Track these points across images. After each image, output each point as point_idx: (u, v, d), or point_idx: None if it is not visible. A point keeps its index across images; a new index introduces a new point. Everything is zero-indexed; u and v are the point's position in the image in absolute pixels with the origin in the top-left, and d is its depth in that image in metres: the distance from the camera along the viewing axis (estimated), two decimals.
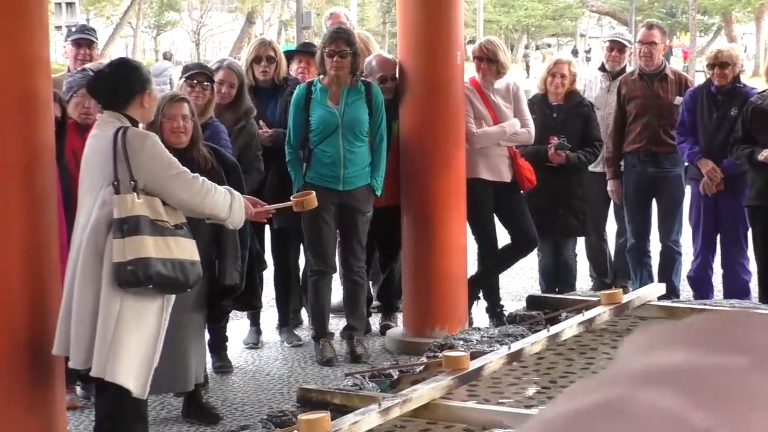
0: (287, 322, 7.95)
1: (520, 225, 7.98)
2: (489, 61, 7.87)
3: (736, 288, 8.24)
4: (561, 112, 8.34)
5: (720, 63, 8.05)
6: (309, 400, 4.45)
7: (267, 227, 7.71)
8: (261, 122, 7.46)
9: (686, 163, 8.47)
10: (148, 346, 4.90)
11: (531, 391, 4.72)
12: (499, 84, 7.96)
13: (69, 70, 7.54)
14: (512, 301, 8.59)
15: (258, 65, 7.64)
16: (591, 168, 8.56)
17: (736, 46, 9.11)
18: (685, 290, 8.79)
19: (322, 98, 7.30)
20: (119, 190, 4.85)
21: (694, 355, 0.75)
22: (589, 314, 5.56)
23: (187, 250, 4.98)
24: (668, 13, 57.17)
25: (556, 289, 8.43)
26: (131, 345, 4.84)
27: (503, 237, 8.17)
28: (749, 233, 8.10)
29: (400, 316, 8.01)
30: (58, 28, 27.19)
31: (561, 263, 8.57)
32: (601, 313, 5.61)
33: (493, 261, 8.10)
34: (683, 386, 0.71)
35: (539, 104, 8.40)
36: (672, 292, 8.12)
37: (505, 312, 7.76)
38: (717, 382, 0.72)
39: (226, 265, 6.02)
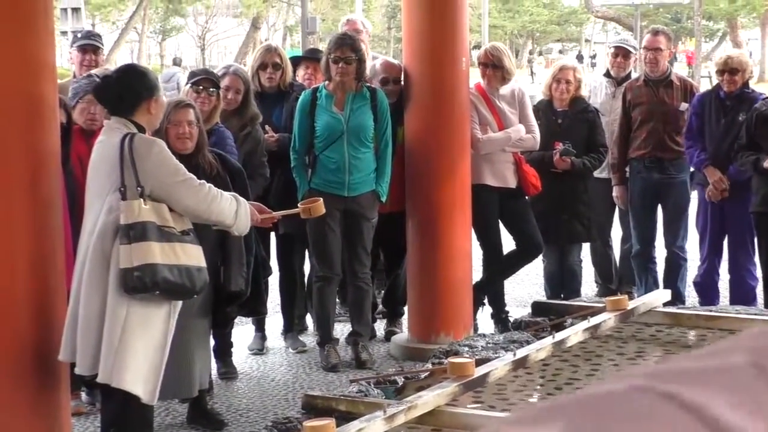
0: (292, 327, 7.95)
1: (525, 231, 7.98)
2: (494, 67, 7.87)
3: (742, 294, 8.23)
4: (566, 118, 8.34)
5: (730, 69, 8.04)
6: (314, 407, 4.44)
7: (272, 233, 7.72)
8: (267, 127, 7.47)
9: (692, 169, 8.46)
10: (155, 352, 4.89)
11: (536, 397, 4.71)
12: (504, 90, 7.95)
13: (75, 76, 7.55)
14: (517, 307, 8.58)
15: (264, 72, 7.64)
16: (596, 174, 8.56)
17: (745, 52, 9.09)
18: (691, 296, 8.78)
19: (327, 104, 7.31)
20: (126, 196, 4.85)
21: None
22: (594, 320, 5.55)
23: (193, 256, 4.98)
24: (673, 19, 57.15)
25: (561, 295, 8.42)
26: (138, 351, 4.83)
27: (508, 243, 8.16)
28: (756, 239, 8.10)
29: (405, 322, 8.00)
30: (64, 33, 27.21)
31: (566, 269, 8.56)
32: (607, 319, 5.60)
33: (498, 267, 8.10)
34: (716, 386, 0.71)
35: (544, 110, 8.40)
36: (677, 298, 8.11)
37: (510, 318, 7.75)
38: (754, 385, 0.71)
39: (231, 271, 6.02)
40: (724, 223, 8.26)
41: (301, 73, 8.13)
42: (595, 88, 9.09)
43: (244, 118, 7.15)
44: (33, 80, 4.96)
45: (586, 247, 8.96)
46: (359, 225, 7.36)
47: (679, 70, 8.10)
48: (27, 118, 4.92)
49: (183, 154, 5.90)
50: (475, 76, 7.99)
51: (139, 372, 4.83)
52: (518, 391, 4.67)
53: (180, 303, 5.07)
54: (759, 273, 8.27)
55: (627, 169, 8.63)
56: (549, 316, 6.03)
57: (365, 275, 7.48)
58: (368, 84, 7.51)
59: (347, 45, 7.30)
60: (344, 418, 4.23)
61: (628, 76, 8.97)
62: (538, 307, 6.29)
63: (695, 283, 8.55)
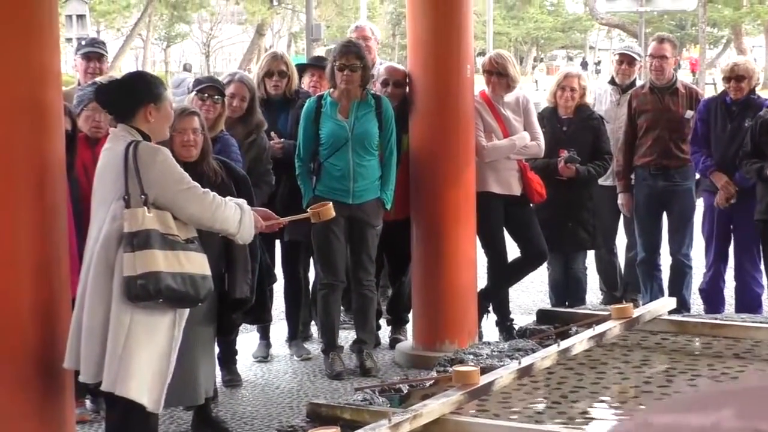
0: (297, 335, 7.94)
1: (530, 238, 7.97)
2: (499, 75, 7.87)
3: (747, 301, 8.22)
4: (571, 125, 8.34)
5: (736, 76, 8.04)
6: (318, 415, 4.43)
7: (277, 241, 7.72)
8: (273, 134, 7.47)
9: (698, 175, 8.45)
10: (160, 360, 4.88)
11: (541, 406, 4.70)
12: (509, 97, 7.95)
13: (79, 84, 7.54)
14: (522, 315, 8.58)
15: (270, 79, 7.65)
16: (601, 181, 8.56)
17: (751, 59, 9.08)
18: (696, 303, 8.77)
19: (332, 112, 7.31)
20: (130, 204, 4.85)
21: None
22: (599, 329, 5.54)
23: (197, 264, 4.97)
24: (678, 26, 57.18)
25: (566, 303, 8.42)
26: (142, 359, 4.82)
27: (513, 250, 8.15)
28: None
29: (409, 330, 7.99)
30: (69, 40, 27.24)
31: (571, 277, 8.55)
32: (612, 327, 5.59)
33: (503, 274, 8.08)
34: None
35: (549, 117, 8.40)
36: (683, 306, 8.10)
37: (515, 325, 7.74)
38: None
39: (236, 278, 6.02)
40: (730, 230, 8.25)
41: (307, 81, 8.13)
42: (600, 96, 9.09)
43: (249, 126, 7.16)
44: (38, 87, 4.96)
45: (590, 255, 8.95)
46: (364, 232, 7.36)
47: (683, 76, 8.11)
48: (32, 125, 4.92)
49: (188, 161, 5.90)
50: (480, 83, 7.98)
51: (143, 380, 4.83)
52: (523, 400, 4.66)
53: (186, 311, 5.06)
54: (765, 280, 8.26)
55: (632, 176, 8.62)
56: (554, 324, 6.02)
57: (370, 283, 7.47)
58: (373, 91, 7.51)
59: (352, 52, 7.30)
60: (349, 426, 4.23)
61: (633, 83, 8.97)
62: (543, 315, 6.28)
63: (701, 291, 8.54)
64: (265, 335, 7.88)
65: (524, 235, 8.00)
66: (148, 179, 4.87)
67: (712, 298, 8.42)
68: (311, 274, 8.06)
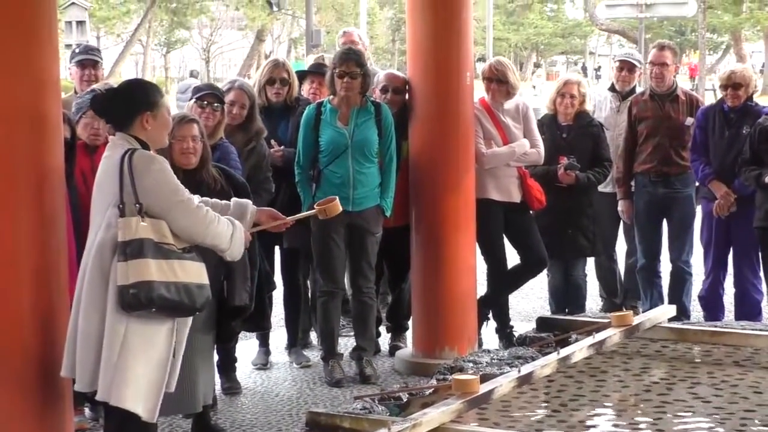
0: (296, 342, 7.93)
1: (530, 245, 7.96)
2: (499, 82, 7.87)
3: (747, 308, 8.22)
4: (570, 132, 8.34)
5: (733, 84, 8.03)
6: (318, 424, 4.43)
7: (277, 248, 7.71)
8: (273, 141, 7.47)
9: (697, 183, 8.45)
10: (155, 369, 4.86)
11: (541, 414, 4.69)
12: (509, 104, 7.95)
13: (76, 92, 7.52)
14: (522, 322, 8.57)
15: (271, 87, 7.64)
16: (600, 188, 8.55)
17: (749, 67, 9.08)
18: (696, 310, 8.76)
19: (332, 119, 7.30)
20: (125, 212, 4.82)
21: None
22: (599, 336, 5.54)
23: (193, 273, 4.92)
24: (678, 32, 57.24)
25: (566, 309, 8.41)
26: (138, 369, 4.80)
27: (513, 257, 8.15)
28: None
29: (409, 337, 7.98)
30: (69, 46, 27.23)
31: (571, 283, 8.55)
32: (612, 335, 5.59)
33: (503, 281, 8.07)
34: None
35: (549, 124, 8.40)
36: (683, 313, 8.10)
37: (515, 332, 7.74)
38: None
39: (235, 285, 6.00)
40: (729, 237, 8.24)
41: (307, 87, 8.12)
42: (600, 102, 9.08)
43: (249, 133, 7.15)
44: (37, 95, 4.95)
45: (590, 262, 8.95)
46: (364, 240, 7.35)
47: (681, 82, 8.14)
48: (31, 133, 4.91)
49: (187, 169, 5.90)
50: (480, 89, 7.98)
51: (138, 389, 4.80)
52: (523, 408, 4.66)
53: (189, 319, 5.04)
54: (764, 287, 8.25)
55: (632, 183, 8.61)
56: (554, 331, 6.02)
57: (369, 290, 7.46)
58: (373, 99, 7.51)
59: (352, 60, 7.29)
60: None
61: (633, 90, 8.96)
62: (542, 323, 6.28)
63: (700, 298, 8.53)
64: (264, 342, 7.87)
65: (524, 242, 8.00)
66: (143, 188, 4.85)
67: (712, 306, 8.41)
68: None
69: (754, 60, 53.46)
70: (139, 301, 4.74)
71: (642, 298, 8.74)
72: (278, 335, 8.12)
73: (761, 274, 8.15)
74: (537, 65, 66.44)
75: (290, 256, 7.76)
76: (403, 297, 8.09)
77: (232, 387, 7.15)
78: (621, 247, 9.17)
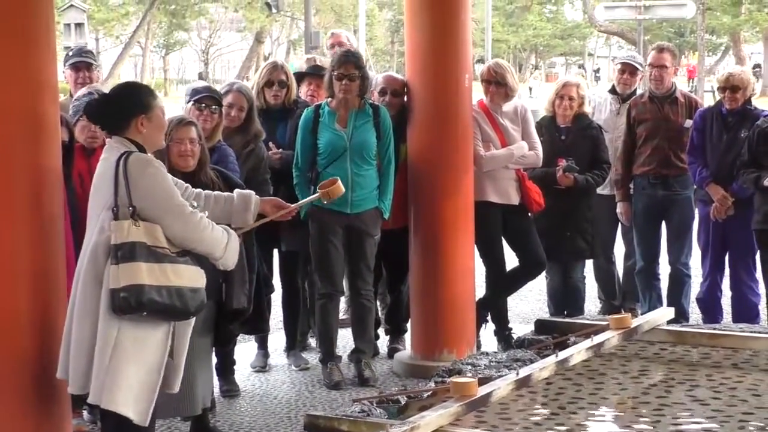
0: (295, 345, 7.93)
1: (529, 248, 7.96)
2: (497, 84, 7.87)
3: (744, 310, 8.22)
4: (569, 134, 8.33)
5: (731, 86, 8.03)
6: (316, 427, 4.42)
7: (275, 250, 7.71)
8: (271, 144, 7.46)
9: (695, 186, 8.44)
10: (149, 372, 4.85)
11: (539, 417, 4.68)
12: (507, 107, 7.94)
13: (71, 95, 7.50)
14: (520, 324, 8.57)
15: (270, 89, 7.64)
16: (599, 190, 8.55)
17: (747, 70, 9.07)
18: (695, 312, 8.76)
19: (330, 121, 7.30)
20: (118, 215, 4.82)
21: None
22: (597, 339, 5.52)
23: (186, 277, 4.91)
24: (677, 33, 57.26)
25: (565, 312, 8.40)
26: (130, 372, 4.79)
27: (511, 260, 8.14)
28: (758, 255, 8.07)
29: (408, 339, 7.98)
30: (68, 48, 27.23)
31: (569, 286, 8.54)
32: (610, 337, 5.58)
33: (502, 284, 8.07)
34: None
35: (547, 126, 8.39)
36: (681, 315, 8.09)
37: (513, 335, 7.73)
38: None
39: (233, 288, 6.00)
40: (726, 240, 8.24)
41: (304, 90, 8.12)
42: (600, 104, 9.07)
43: (247, 136, 7.14)
44: (35, 98, 4.97)
45: (589, 264, 8.94)
46: (362, 242, 7.35)
47: (680, 84, 8.12)
48: (29, 136, 4.92)
49: (185, 171, 5.90)
50: (478, 91, 7.98)
51: (130, 393, 4.79)
52: (521, 411, 4.64)
53: (190, 322, 5.03)
54: (762, 289, 8.25)
55: (631, 185, 8.61)
56: (552, 334, 6.00)
57: (368, 292, 7.46)
58: (371, 101, 7.51)
59: (351, 62, 7.29)
60: None
61: (634, 93, 8.94)
62: (541, 325, 6.26)
63: (698, 300, 8.53)
64: (263, 345, 7.87)
65: (522, 245, 7.99)
66: (137, 191, 4.84)
67: (710, 308, 8.41)
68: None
69: (754, 61, 53.45)
70: (130, 305, 4.73)
71: (640, 301, 8.74)
72: (277, 338, 8.12)
73: (758, 276, 8.15)
74: (536, 67, 66.48)
75: (289, 259, 7.76)
76: (401, 299, 8.09)
77: (230, 390, 7.15)
78: (619, 249, 9.17)
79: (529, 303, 9.95)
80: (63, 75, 7.82)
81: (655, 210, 8.51)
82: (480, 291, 8.08)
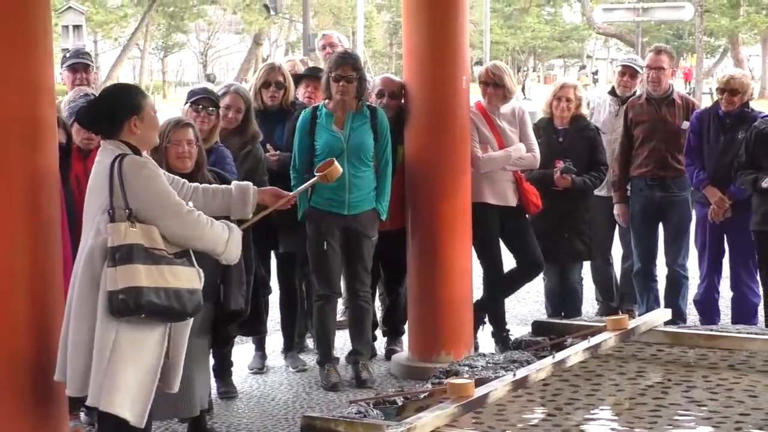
0: (292, 346, 7.93)
1: (526, 249, 7.96)
2: (495, 86, 7.87)
3: (744, 311, 8.22)
4: (567, 136, 8.34)
5: (731, 89, 8.03)
6: (313, 428, 4.42)
7: (273, 252, 7.71)
8: (268, 145, 7.46)
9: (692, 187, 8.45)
10: (146, 375, 4.85)
11: (536, 418, 4.68)
12: (505, 108, 7.95)
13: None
14: (518, 325, 8.58)
15: (267, 90, 7.64)
16: (596, 192, 8.55)
17: (748, 74, 9.07)
18: (692, 314, 8.76)
19: (328, 123, 7.30)
20: (114, 218, 4.82)
21: None
22: (594, 340, 5.52)
23: (184, 278, 4.90)
24: (675, 35, 57.28)
25: (562, 313, 8.41)
26: (128, 374, 4.79)
27: (509, 261, 8.15)
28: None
29: (405, 341, 7.98)
30: (66, 50, 27.25)
31: (567, 287, 8.54)
32: (607, 338, 5.58)
33: (499, 285, 8.08)
34: None
35: (545, 128, 8.39)
36: (679, 317, 8.10)
37: (511, 336, 7.73)
38: None
39: (230, 290, 6.01)
40: (724, 241, 8.25)
41: (302, 91, 8.12)
42: (599, 105, 9.08)
43: (244, 137, 7.15)
44: (32, 100, 4.97)
45: (586, 265, 8.94)
46: (359, 243, 7.35)
47: (677, 86, 8.13)
48: (26, 138, 4.93)
49: (182, 173, 5.90)
50: (476, 93, 7.98)
51: (127, 395, 4.79)
52: (518, 412, 4.65)
53: (188, 324, 5.04)
54: (761, 290, 8.25)
55: (628, 186, 8.61)
56: (549, 335, 6.01)
57: (365, 294, 7.46)
58: (368, 102, 7.51)
59: (348, 63, 7.30)
60: None
61: (633, 95, 8.94)
62: (538, 327, 6.26)
63: (695, 302, 8.54)
64: (260, 347, 7.88)
65: (520, 246, 7.99)
66: (133, 193, 4.83)
67: (707, 309, 8.42)
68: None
69: (751, 63, 53.48)
70: (128, 307, 4.73)
71: (638, 302, 8.75)
72: (274, 339, 8.12)
73: (758, 277, 8.15)
74: (534, 69, 66.47)
75: (286, 261, 7.76)
76: (399, 301, 8.09)
77: (228, 391, 7.15)
78: (617, 250, 9.17)
79: (527, 304, 9.95)
80: (60, 77, 7.82)
81: (653, 211, 8.51)
82: (477, 292, 8.09)
